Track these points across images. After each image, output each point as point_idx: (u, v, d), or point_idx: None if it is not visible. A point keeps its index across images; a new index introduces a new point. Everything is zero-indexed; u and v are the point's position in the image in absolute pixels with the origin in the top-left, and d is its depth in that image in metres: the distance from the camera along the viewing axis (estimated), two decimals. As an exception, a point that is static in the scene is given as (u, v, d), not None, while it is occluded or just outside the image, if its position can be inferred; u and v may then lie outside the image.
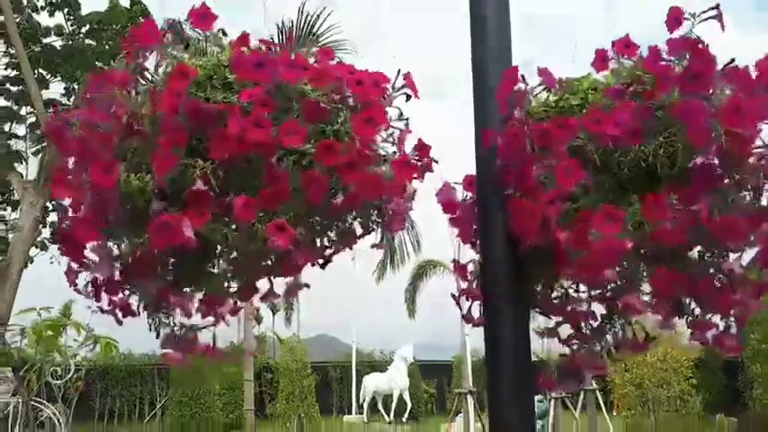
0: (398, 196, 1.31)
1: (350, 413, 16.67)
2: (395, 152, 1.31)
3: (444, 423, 10.34)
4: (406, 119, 1.35)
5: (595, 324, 1.41)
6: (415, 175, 1.32)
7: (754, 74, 1.22)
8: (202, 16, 1.28)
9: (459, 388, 9.24)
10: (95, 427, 15.41)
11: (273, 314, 19.50)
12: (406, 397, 15.40)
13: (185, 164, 1.12)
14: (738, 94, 1.19)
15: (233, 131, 1.11)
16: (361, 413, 15.80)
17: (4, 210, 10.57)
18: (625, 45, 1.33)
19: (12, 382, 7.71)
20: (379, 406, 15.70)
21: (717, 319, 1.28)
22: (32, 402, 8.04)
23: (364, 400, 15.67)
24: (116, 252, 1.24)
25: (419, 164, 1.33)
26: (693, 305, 1.28)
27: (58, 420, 8.66)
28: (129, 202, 1.17)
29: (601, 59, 1.36)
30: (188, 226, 1.08)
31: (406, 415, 15.52)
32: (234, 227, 1.16)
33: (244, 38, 1.27)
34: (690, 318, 1.29)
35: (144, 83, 1.25)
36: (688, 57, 1.24)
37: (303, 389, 10.92)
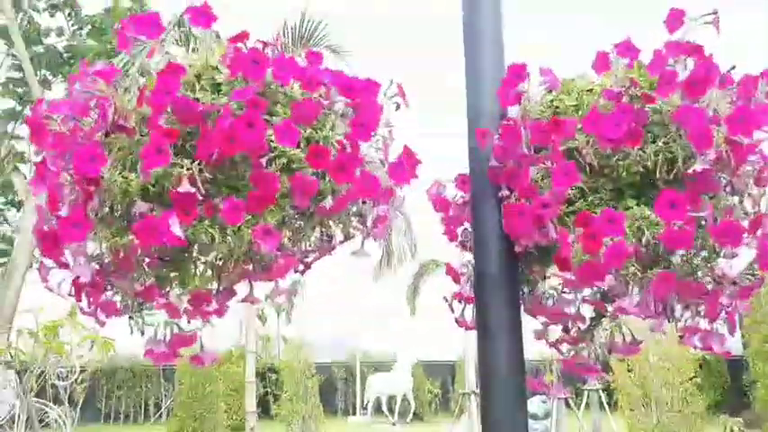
0: (386, 201, 1.32)
1: (354, 414, 16.65)
2: (380, 159, 1.32)
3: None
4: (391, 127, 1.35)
5: (584, 326, 1.41)
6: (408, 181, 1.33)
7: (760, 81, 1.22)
8: (201, 14, 1.25)
9: (463, 388, 9.23)
10: (101, 428, 15.45)
11: (278, 314, 19.53)
12: (410, 398, 15.37)
13: (173, 163, 1.10)
14: (741, 103, 1.20)
15: (222, 131, 1.10)
16: (366, 414, 15.78)
17: (8, 211, 10.58)
18: (626, 48, 1.33)
19: (15, 384, 7.74)
20: (384, 407, 15.68)
21: (705, 322, 1.29)
22: (38, 404, 8.06)
23: (369, 401, 15.65)
24: (96, 252, 1.21)
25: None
26: (680, 308, 1.29)
27: (64, 422, 8.70)
28: (111, 200, 1.15)
29: (602, 61, 1.36)
30: (176, 225, 1.08)
31: (410, 416, 15.51)
32: (219, 229, 1.14)
33: (242, 35, 1.24)
34: (678, 322, 1.30)
35: (130, 78, 1.22)
36: (690, 61, 1.24)
37: (307, 389, 10.90)
